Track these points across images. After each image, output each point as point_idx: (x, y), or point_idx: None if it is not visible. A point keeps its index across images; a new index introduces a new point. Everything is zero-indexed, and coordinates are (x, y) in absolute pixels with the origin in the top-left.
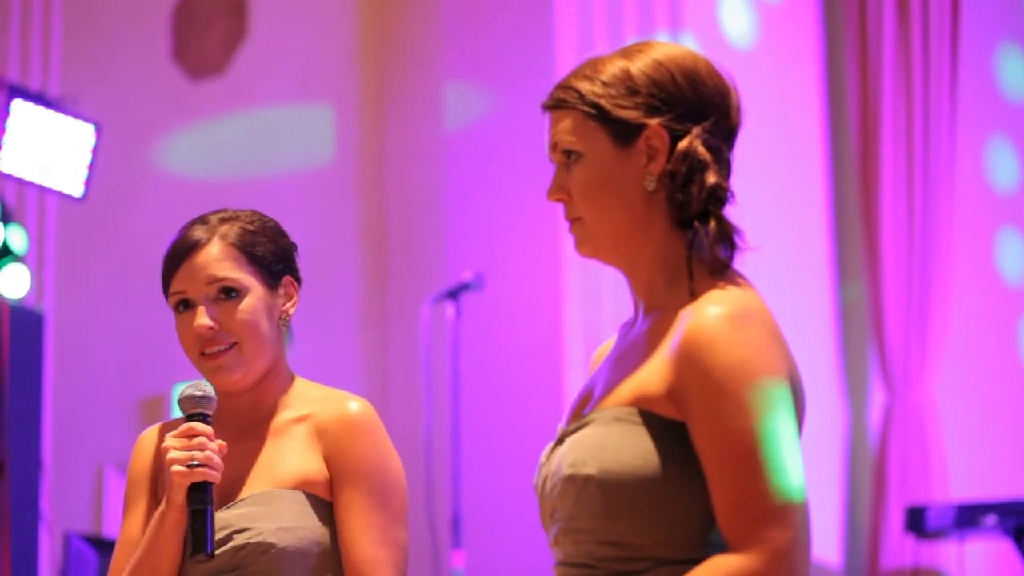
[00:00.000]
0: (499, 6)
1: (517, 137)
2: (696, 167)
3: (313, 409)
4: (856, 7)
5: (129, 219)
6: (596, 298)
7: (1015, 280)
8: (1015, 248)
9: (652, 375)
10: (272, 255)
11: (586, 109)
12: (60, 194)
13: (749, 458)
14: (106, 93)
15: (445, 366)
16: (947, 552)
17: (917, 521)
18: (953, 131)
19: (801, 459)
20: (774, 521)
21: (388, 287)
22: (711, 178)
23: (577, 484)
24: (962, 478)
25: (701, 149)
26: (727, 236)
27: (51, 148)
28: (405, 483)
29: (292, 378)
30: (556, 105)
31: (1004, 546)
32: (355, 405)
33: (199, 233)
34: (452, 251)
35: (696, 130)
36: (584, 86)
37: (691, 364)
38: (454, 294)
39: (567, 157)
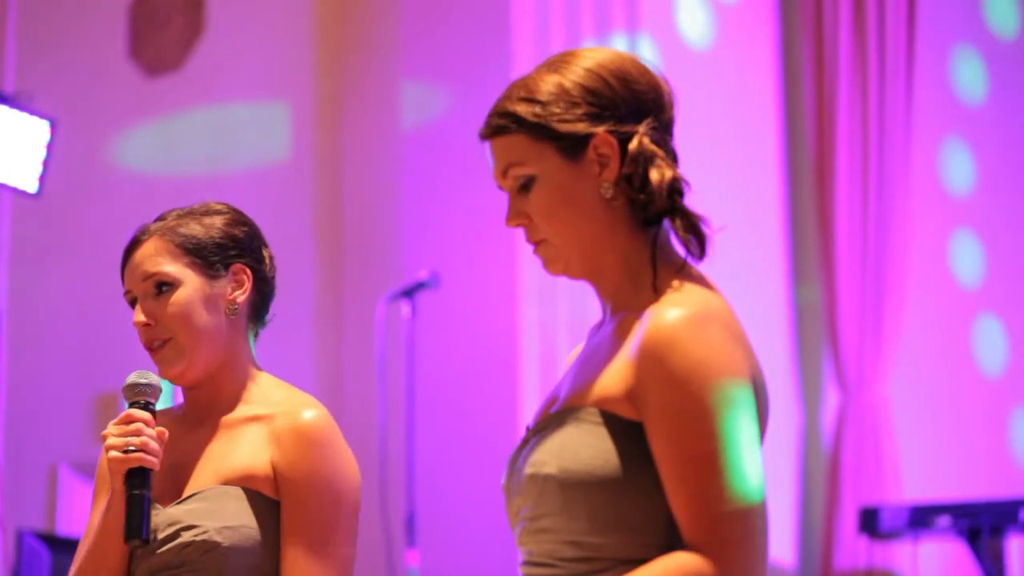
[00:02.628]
0: (457, 6)
1: (474, 137)
2: (650, 165)
3: (271, 412)
4: (812, 9)
5: (84, 216)
6: (551, 297)
7: (969, 282)
8: (969, 250)
9: (613, 376)
10: (214, 244)
11: (529, 130)
12: (15, 190)
13: (708, 460)
14: (61, 89)
15: (400, 365)
16: (901, 553)
17: (871, 522)
18: (908, 133)
19: (761, 460)
20: (732, 524)
21: (344, 285)
22: (667, 172)
23: (538, 483)
24: (915, 479)
25: (650, 146)
26: (694, 225)
27: (5, 144)
28: (358, 496)
29: (254, 372)
30: (497, 132)
31: (957, 547)
32: (310, 415)
33: (148, 228)
34: (408, 250)
35: (641, 128)
36: (522, 108)
37: (651, 365)
38: (410, 293)
39: (519, 182)
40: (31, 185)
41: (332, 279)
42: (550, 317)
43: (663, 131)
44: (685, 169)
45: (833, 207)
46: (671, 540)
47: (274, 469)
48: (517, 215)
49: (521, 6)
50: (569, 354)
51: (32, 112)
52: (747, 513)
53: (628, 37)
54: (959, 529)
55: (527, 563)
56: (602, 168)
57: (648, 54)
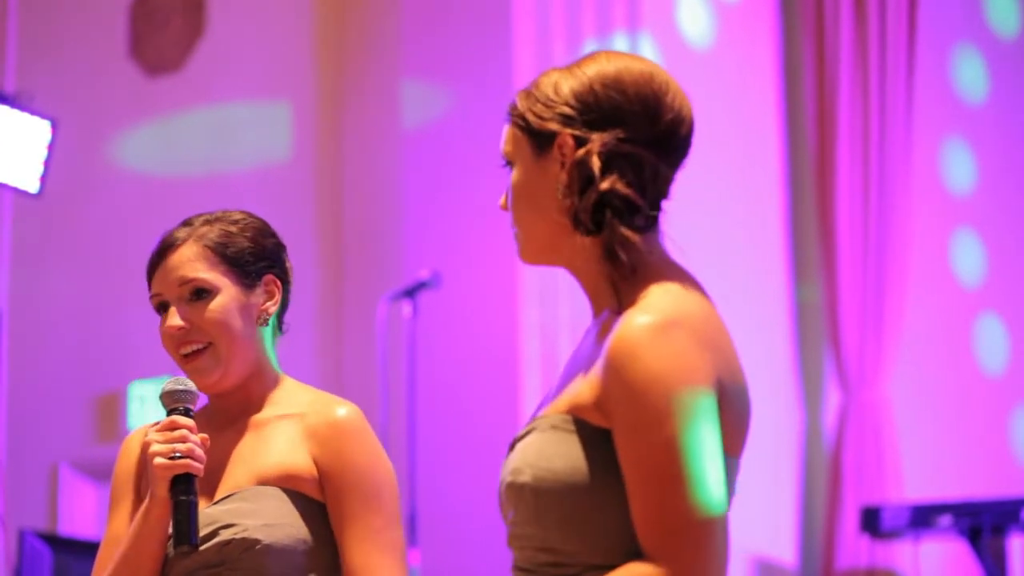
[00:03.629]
0: (457, 5)
1: (475, 136)
2: (587, 175)
3: (302, 410)
4: (813, 8)
5: (85, 216)
6: (552, 297)
7: (969, 281)
8: (970, 249)
9: (585, 383)
10: (250, 254)
11: (516, 121)
12: (16, 190)
13: (667, 471)
14: (62, 89)
15: (401, 365)
16: (902, 552)
17: (872, 521)
18: (909, 132)
19: (722, 470)
20: (690, 536)
21: (345, 285)
22: (603, 185)
23: (515, 491)
24: (917, 478)
25: (593, 158)
26: (611, 247)
27: (6, 144)
28: (396, 485)
29: (279, 377)
30: (506, 119)
31: (959, 546)
32: (344, 410)
33: (177, 235)
34: (409, 249)
35: (596, 137)
36: (519, 99)
37: (614, 375)
38: (411, 292)
39: (508, 168)
40: (32, 185)
41: (333, 279)
42: (551, 317)
43: (643, 144)
44: (685, 168)
45: (834, 206)
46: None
47: (317, 467)
48: (504, 198)
49: (521, 6)
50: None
51: (33, 112)
52: (705, 524)
53: (629, 36)
54: (960, 528)
55: (514, 567)
56: (562, 168)
57: (649, 53)
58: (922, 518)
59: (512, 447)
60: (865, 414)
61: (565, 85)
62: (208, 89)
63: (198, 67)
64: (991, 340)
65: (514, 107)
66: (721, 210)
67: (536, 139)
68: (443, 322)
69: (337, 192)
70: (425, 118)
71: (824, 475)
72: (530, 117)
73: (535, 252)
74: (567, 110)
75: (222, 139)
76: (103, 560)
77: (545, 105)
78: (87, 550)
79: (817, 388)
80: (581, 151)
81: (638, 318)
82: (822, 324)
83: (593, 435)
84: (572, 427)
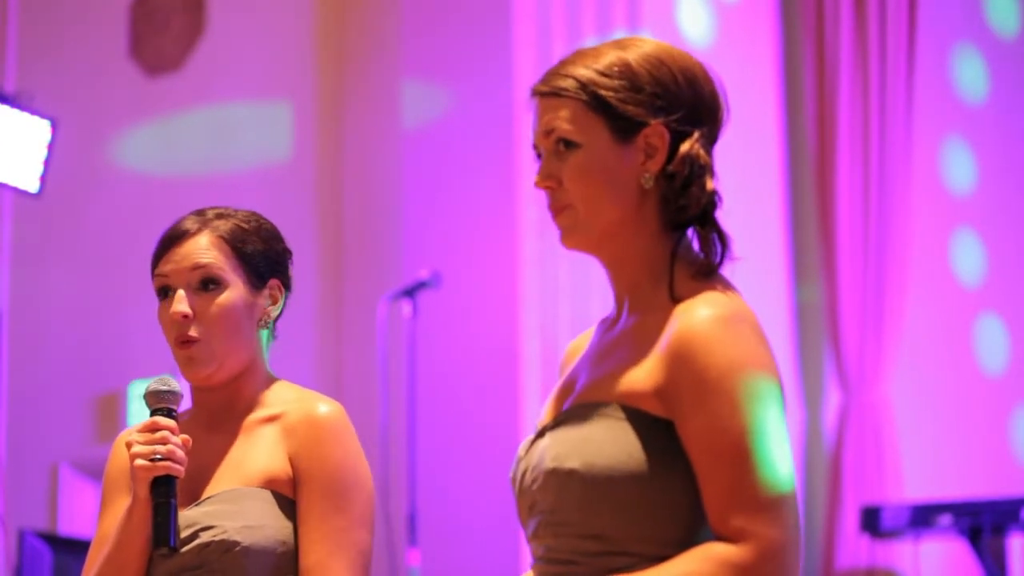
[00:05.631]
0: (457, 5)
1: (475, 136)
2: (698, 171)
3: (284, 409)
4: (813, 7)
5: (85, 215)
6: (553, 297)
7: (970, 281)
8: (970, 249)
9: (639, 372)
10: (261, 256)
11: (587, 99)
12: (15, 190)
13: (742, 453)
14: (62, 89)
15: (401, 364)
16: (902, 552)
17: (872, 521)
18: (909, 132)
19: (791, 455)
20: (767, 516)
21: (344, 285)
22: (710, 183)
23: (560, 477)
24: (917, 478)
25: (703, 153)
26: (724, 242)
27: (6, 144)
28: (371, 487)
29: (271, 379)
30: (553, 92)
31: (959, 546)
32: (324, 408)
33: (191, 223)
34: (409, 249)
35: (697, 134)
36: (584, 74)
37: (684, 363)
38: (411, 292)
39: (560, 146)
40: (32, 185)
41: (333, 279)
42: (551, 317)
43: (710, 144)
44: None
45: (834, 206)
46: (692, 535)
47: (292, 464)
48: (549, 176)
49: (521, 6)
50: (568, 346)
51: (33, 112)
52: (781, 506)
53: (629, 35)
54: (960, 528)
55: (544, 559)
56: (647, 158)
57: None
58: (922, 518)
59: (540, 434)
60: (865, 414)
61: (638, 67)
62: (208, 89)
63: (198, 67)
64: (991, 340)
65: (577, 83)
66: (721, 210)
67: (617, 123)
68: (443, 322)
69: (337, 192)
70: (425, 118)
71: (824, 475)
72: (612, 100)
73: (595, 238)
74: (654, 99)
75: (222, 139)
76: (92, 558)
77: (629, 89)
78: (87, 550)
79: (817, 388)
80: (687, 145)
81: (704, 310)
82: (822, 324)
83: (650, 424)
84: (623, 415)
